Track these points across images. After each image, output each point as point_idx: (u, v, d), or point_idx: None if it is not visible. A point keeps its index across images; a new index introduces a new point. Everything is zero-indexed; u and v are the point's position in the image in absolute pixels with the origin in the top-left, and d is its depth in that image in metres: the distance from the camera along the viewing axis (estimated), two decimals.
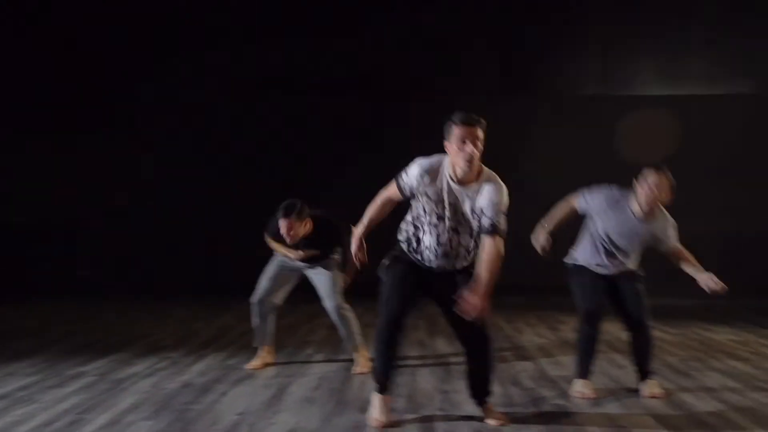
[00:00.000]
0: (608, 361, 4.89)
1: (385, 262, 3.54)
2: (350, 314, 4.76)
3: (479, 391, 3.59)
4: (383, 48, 8.86)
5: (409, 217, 3.53)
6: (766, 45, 8.74)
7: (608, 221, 3.98)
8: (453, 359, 4.98)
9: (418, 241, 3.47)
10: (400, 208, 3.55)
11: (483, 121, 3.28)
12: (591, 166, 6.88)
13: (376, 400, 3.55)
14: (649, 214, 3.94)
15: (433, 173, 3.33)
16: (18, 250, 8.93)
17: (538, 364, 4.89)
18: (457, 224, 3.36)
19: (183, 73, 8.91)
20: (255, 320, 4.83)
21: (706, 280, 3.85)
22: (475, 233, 3.38)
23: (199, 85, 8.94)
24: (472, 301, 3.16)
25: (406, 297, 3.44)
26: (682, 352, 5.33)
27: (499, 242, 3.25)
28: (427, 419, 3.58)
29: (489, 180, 3.30)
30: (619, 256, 4.02)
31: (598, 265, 4.06)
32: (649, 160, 4.12)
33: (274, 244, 4.77)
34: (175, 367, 4.76)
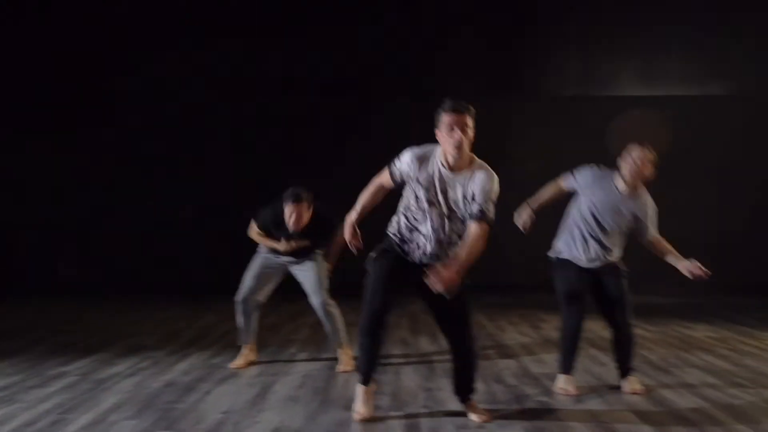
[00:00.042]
0: (590, 359, 4.94)
1: (372, 255, 3.54)
2: (336, 311, 4.76)
3: (463, 388, 3.62)
4: (365, 49, 8.87)
5: (400, 208, 3.53)
6: (739, 48, 8.87)
7: (594, 196, 4.03)
8: (436, 357, 5.01)
9: (410, 230, 3.45)
10: (394, 200, 3.56)
11: (472, 108, 3.32)
12: (571, 166, 6.90)
13: (360, 392, 3.58)
14: (633, 190, 4.00)
15: (424, 159, 3.36)
16: None
17: (521, 362, 4.93)
18: (449, 211, 3.36)
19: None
20: (239, 319, 4.81)
21: (690, 267, 3.90)
22: (464, 216, 3.39)
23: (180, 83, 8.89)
24: (442, 273, 3.18)
25: (390, 291, 3.43)
26: (662, 349, 5.39)
27: (485, 229, 3.29)
28: (411, 416, 3.60)
29: (481, 168, 3.34)
30: (604, 241, 4.02)
31: (582, 256, 4.06)
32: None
33: (260, 237, 4.72)
34: (157, 366, 4.74)
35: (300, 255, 4.73)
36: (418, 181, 3.37)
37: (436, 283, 3.15)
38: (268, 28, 8.86)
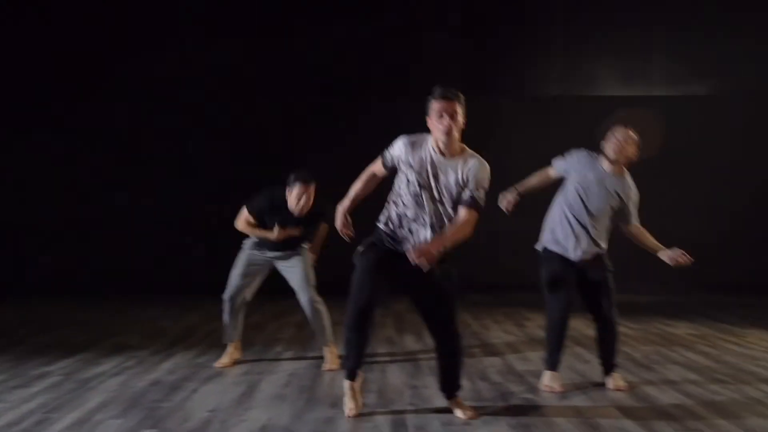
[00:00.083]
0: (574, 356, 4.98)
1: (360, 248, 3.53)
2: (323, 308, 4.76)
3: (449, 385, 3.64)
4: (344, 50, 8.87)
5: (390, 197, 3.53)
6: (720, 48, 8.97)
7: (580, 177, 4.08)
8: (422, 356, 5.04)
9: (400, 217, 3.45)
10: (387, 191, 3.57)
11: (461, 95, 3.36)
12: None
13: (347, 388, 3.60)
14: (618, 169, 4.07)
15: (416, 145, 3.41)
16: None
17: (506, 360, 4.96)
18: (440, 195, 3.38)
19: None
20: (226, 317, 4.79)
21: (673, 255, 3.96)
22: (455, 202, 3.41)
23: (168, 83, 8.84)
24: (422, 246, 3.23)
25: (377, 286, 3.43)
26: (644, 346, 5.46)
27: (474, 216, 3.36)
28: (397, 413, 3.62)
29: (473, 156, 3.40)
30: (589, 228, 4.05)
31: (568, 245, 4.08)
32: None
33: (249, 227, 4.63)
34: (142, 365, 4.72)
35: (288, 247, 4.70)
36: (410, 165, 3.39)
37: (414, 254, 3.18)
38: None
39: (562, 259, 4.10)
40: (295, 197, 4.49)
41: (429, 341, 5.39)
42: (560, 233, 4.12)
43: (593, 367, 4.53)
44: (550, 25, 9.11)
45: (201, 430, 3.35)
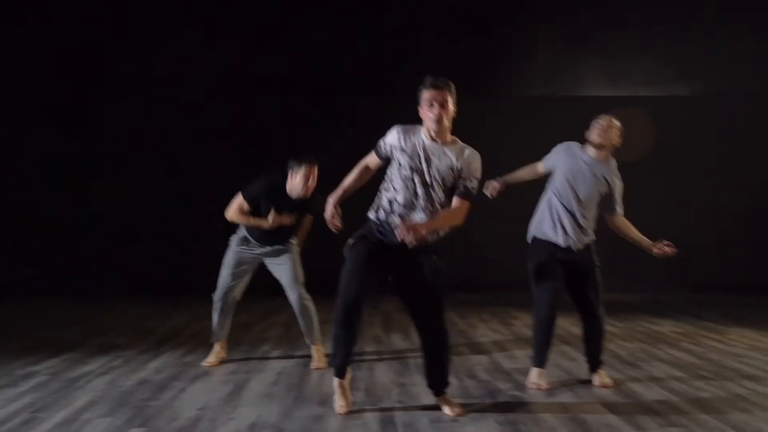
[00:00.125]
0: (561, 354, 5.02)
1: (350, 241, 3.54)
2: (312, 305, 4.76)
3: (437, 381, 3.66)
4: (334, 49, 8.88)
5: (382, 187, 3.55)
6: (702, 49, 9.07)
7: (567, 165, 4.14)
8: (409, 354, 5.06)
9: (391, 202, 3.46)
10: (378, 184, 3.59)
11: (452, 84, 3.41)
12: None
13: (336, 386, 3.62)
14: (603, 156, 4.14)
15: (409, 132, 3.47)
16: None
17: (493, 358, 5.00)
18: (432, 179, 3.41)
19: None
20: (216, 316, 4.78)
21: (657, 247, 4.05)
22: (449, 190, 3.44)
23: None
24: (412, 224, 3.26)
25: (366, 280, 3.43)
26: (629, 344, 5.51)
27: (467, 206, 3.43)
28: (386, 411, 3.64)
29: (466, 147, 3.47)
30: (578, 214, 4.09)
31: (556, 232, 4.11)
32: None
33: (242, 216, 4.57)
34: (130, 365, 4.71)
35: (276, 241, 4.68)
36: (402, 149, 3.43)
37: (403, 229, 3.21)
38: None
39: (550, 249, 4.13)
40: (303, 178, 4.48)
41: (416, 340, 5.40)
42: (548, 221, 4.16)
43: (579, 365, 4.58)
44: (536, 25, 9.16)
45: (190, 428, 3.35)
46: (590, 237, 4.18)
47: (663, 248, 4.05)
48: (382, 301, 7.44)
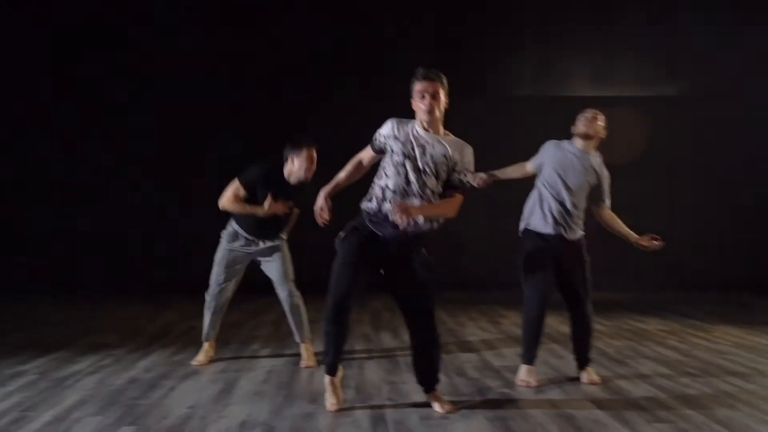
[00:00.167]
0: (549, 352, 5.06)
1: (342, 234, 3.54)
2: (301, 303, 4.76)
3: (427, 378, 3.68)
4: (315, 48, 8.88)
5: (375, 178, 3.57)
6: (686, 50, 9.16)
7: (556, 159, 4.20)
8: (399, 352, 5.08)
9: (383, 190, 3.46)
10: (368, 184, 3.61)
11: (443, 76, 3.44)
12: None
13: (327, 384, 3.63)
14: (589, 146, 4.22)
15: (403, 123, 3.51)
16: None
17: (482, 356, 5.03)
18: (424, 166, 3.42)
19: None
20: (208, 315, 4.77)
21: (644, 241, 4.13)
22: (441, 180, 3.46)
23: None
24: (406, 205, 3.29)
25: (357, 275, 3.43)
26: (616, 342, 5.56)
27: (460, 199, 3.49)
28: (376, 408, 3.66)
29: (458, 140, 3.51)
30: (567, 203, 4.13)
31: (546, 221, 4.15)
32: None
33: (237, 203, 4.50)
34: (119, 364, 4.69)
35: (267, 234, 4.66)
36: (395, 137, 3.46)
37: (396, 209, 3.24)
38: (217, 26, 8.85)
39: (541, 241, 4.17)
40: (305, 160, 4.47)
41: (406, 338, 5.43)
42: (538, 212, 4.21)
43: (568, 363, 4.62)
44: (524, 25, 9.21)
45: (180, 426, 3.35)
46: (580, 228, 4.23)
47: (650, 242, 4.12)
48: (371, 299, 7.47)
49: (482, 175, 4.32)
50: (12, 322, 6.45)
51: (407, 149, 3.43)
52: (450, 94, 3.51)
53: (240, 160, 5.79)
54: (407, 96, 3.52)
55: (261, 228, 4.63)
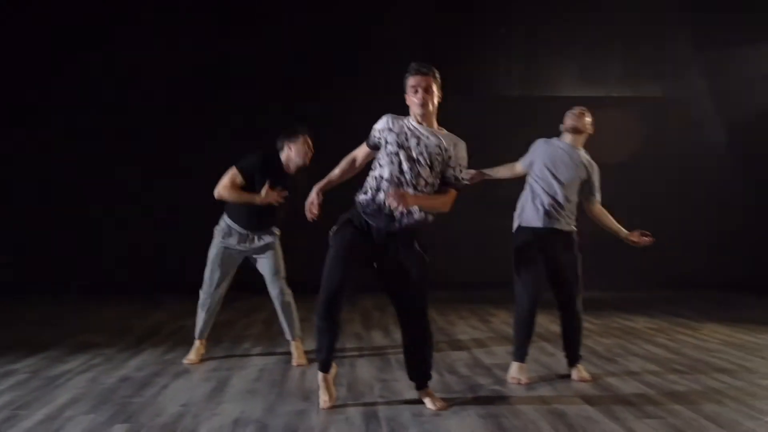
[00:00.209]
0: (539, 350, 5.10)
1: (334, 227, 3.56)
2: (292, 301, 4.77)
3: (420, 374, 3.70)
4: (308, 46, 8.89)
5: (370, 171, 3.59)
6: (672, 51, 9.26)
7: (546, 155, 4.26)
8: (390, 350, 5.10)
9: (377, 180, 3.48)
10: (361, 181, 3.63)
11: (435, 70, 3.48)
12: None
13: (320, 380, 3.65)
14: (578, 142, 4.29)
15: (399, 117, 3.55)
16: None
17: (473, 354, 5.06)
18: (418, 155, 3.44)
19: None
20: (202, 313, 4.76)
21: (635, 236, 4.19)
22: (435, 172, 3.48)
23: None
24: (401, 192, 3.32)
25: (349, 268, 3.45)
26: (606, 340, 5.61)
27: (454, 194, 3.53)
28: (368, 405, 3.67)
29: (452, 134, 3.55)
30: (559, 196, 4.17)
31: (537, 213, 4.19)
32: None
33: (234, 191, 4.48)
34: (110, 363, 4.68)
35: (263, 225, 4.65)
36: (390, 129, 3.49)
37: (391, 194, 3.27)
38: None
39: (533, 237, 4.20)
40: (303, 145, 4.52)
41: (396, 337, 5.48)
42: (530, 206, 4.25)
43: (558, 360, 4.66)
44: (512, 26, 9.26)
45: (174, 423, 3.35)
46: (572, 222, 4.27)
47: (640, 238, 4.17)
48: (362, 298, 7.48)
49: (471, 171, 4.36)
50: (1, 322, 6.40)
51: (401, 140, 3.45)
52: (442, 88, 3.55)
53: (228, 159, 5.83)
54: (398, 94, 3.54)
55: (256, 219, 4.61)
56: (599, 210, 4.35)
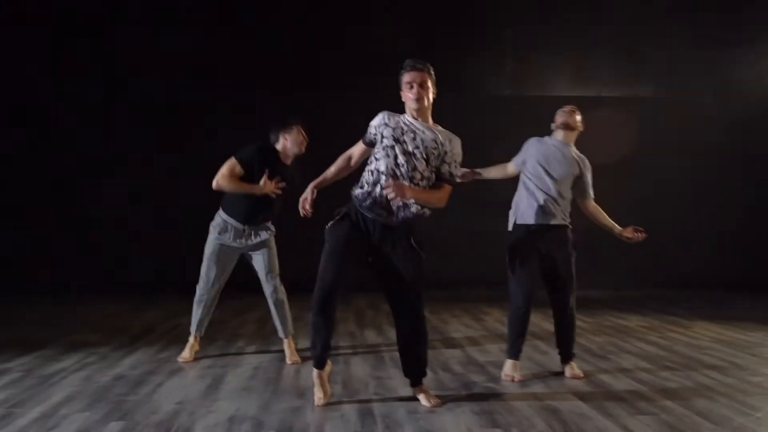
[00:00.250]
0: (533, 348, 5.12)
1: (331, 222, 3.57)
2: (286, 299, 4.78)
3: (415, 370, 3.72)
4: (299, 45, 8.89)
5: (366, 166, 3.61)
6: (662, 51, 9.31)
7: (539, 152, 4.30)
8: (384, 348, 5.12)
9: (373, 173, 3.50)
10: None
11: (430, 67, 3.54)
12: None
13: (315, 377, 3.66)
14: (568, 138, 4.34)
15: (395, 114, 3.58)
16: None
17: (466, 352, 5.08)
18: (414, 148, 3.47)
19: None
20: (198, 311, 4.76)
21: (628, 232, 4.25)
22: (431, 166, 3.50)
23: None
24: (399, 183, 3.35)
25: (345, 263, 3.47)
26: (598, 338, 5.65)
27: (449, 190, 3.57)
28: (363, 402, 3.69)
29: (447, 131, 3.58)
30: (553, 192, 4.20)
31: (532, 209, 4.22)
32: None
33: (233, 181, 4.47)
34: (105, 361, 4.68)
35: (259, 219, 4.65)
36: (386, 124, 3.52)
37: (389, 186, 3.30)
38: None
39: (528, 234, 4.22)
40: (296, 135, 4.57)
41: (390, 335, 5.51)
42: (524, 202, 4.28)
43: (551, 358, 4.69)
44: (504, 26, 9.29)
45: (169, 421, 3.36)
46: (567, 219, 4.29)
47: (633, 234, 4.21)
48: (355, 297, 7.50)
49: (465, 170, 4.39)
50: None
51: (397, 133, 3.48)
52: (437, 84, 3.58)
53: (223, 157, 5.85)
54: (392, 92, 3.56)
55: (252, 212, 4.61)
56: (594, 207, 4.38)
